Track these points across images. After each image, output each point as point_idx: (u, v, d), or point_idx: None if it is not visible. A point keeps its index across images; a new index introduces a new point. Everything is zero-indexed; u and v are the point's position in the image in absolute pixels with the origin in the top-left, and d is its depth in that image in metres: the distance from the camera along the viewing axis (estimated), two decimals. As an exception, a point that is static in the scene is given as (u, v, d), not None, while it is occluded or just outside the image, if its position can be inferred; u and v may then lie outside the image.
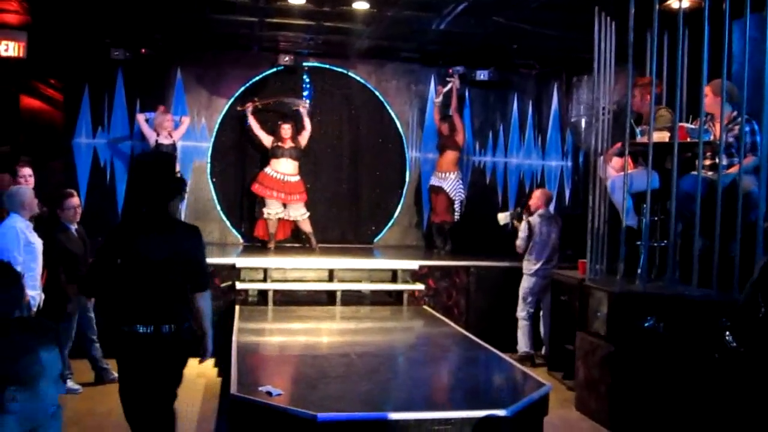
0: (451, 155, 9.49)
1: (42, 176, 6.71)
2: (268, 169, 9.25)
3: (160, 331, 3.69)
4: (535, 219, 7.59)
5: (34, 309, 5.67)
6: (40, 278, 5.70)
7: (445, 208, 9.48)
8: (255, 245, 9.69)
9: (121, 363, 3.88)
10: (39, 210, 6.32)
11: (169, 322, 3.70)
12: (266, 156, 9.55)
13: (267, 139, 9.34)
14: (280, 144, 9.21)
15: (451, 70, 9.85)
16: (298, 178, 9.29)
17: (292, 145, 9.24)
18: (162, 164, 4.20)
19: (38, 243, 5.62)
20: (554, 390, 5.64)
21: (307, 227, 9.32)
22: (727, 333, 3.79)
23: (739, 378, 3.55)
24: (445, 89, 9.70)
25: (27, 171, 6.53)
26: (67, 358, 6.27)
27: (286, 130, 9.27)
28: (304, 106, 9.51)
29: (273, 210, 9.19)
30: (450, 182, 9.43)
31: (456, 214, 9.49)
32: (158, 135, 8.68)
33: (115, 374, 6.46)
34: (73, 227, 6.27)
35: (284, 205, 9.24)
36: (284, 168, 9.20)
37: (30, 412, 1.61)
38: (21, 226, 5.47)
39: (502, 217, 8.14)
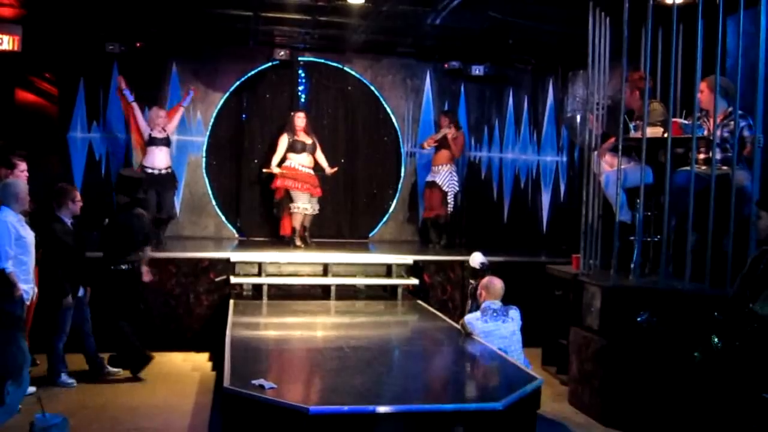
0: (445, 152, 9.48)
1: (37, 170, 6.69)
2: (292, 163, 9.02)
3: (134, 266, 6.61)
4: (474, 318, 5.73)
5: (27, 303, 5.66)
6: (32, 272, 5.68)
7: (439, 201, 9.47)
8: (250, 240, 9.71)
9: (113, 290, 6.58)
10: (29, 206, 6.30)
11: (136, 261, 6.63)
12: (263, 151, 9.69)
13: (284, 143, 9.07)
14: (297, 138, 9.06)
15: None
16: (313, 171, 9.20)
17: (310, 139, 9.12)
18: (129, 181, 7.08)
19: (30, 236, 5.59)
20: (548, 384, 5.67)
21: (309, 222, 9.29)
22: (714, 336, 3.81)
23: (725, 373, 3.57)
24: (438, 136, 9.57)
25: (24, 165, 6.48)
26: (62, 351, 6.28)
27: (301, 118, 9.10)
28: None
29: (306, 205, 9.03)
30: (442, 175, 9.41)
31: (449, 206, 9.46)
32: (152, 130, 8.67)
33: (109, 368, 6.49)
34: (69, 221, 6.26)
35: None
36: (306, 161, 9.08)
37: (15, 401, 1.62)
38: (12, 219, 5.44)
39: (476, 258, 6.90)
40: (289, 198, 9.09)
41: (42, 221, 6.15)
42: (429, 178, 9.63)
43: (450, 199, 9.43)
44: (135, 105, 8.88)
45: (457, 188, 9.56)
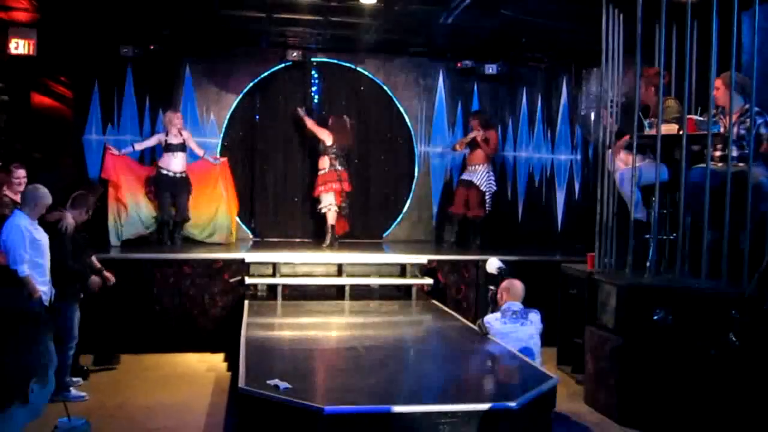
0: (480, 152, 9.42)
1: (53, 172, 6.71)
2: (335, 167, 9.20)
3: None
4: (493, 318, 5.70)
5: (46, 304, 5.70)
6: (48, 273, 5.72)
7: (477, 202, 9.41)
8: (265, 240, 9.74)
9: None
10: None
11: None
12: (276, 152, 9.78)
13: (327, 137, 9.19)
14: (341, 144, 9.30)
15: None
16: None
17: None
18: None
19: (44, 239, 5.64)
20: (563, 383, 5.65)
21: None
22: (731, 334, 3.78)
23: (742, 371, 3.54)
24: (467, 139, 9.56)
25: (22, 173, 6.37)
26: (72, 360, 6.04)
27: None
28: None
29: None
30: (479, 174, 9.38)
31: (486, 206, 9.44)
32: (167, 134, 8.73)
33: (74, 390, 5.91)
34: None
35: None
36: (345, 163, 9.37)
37: (40, 402, 1.64)
38: (25, 223, 5.48)
39: (493, 264, 6.82)
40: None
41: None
42: (465, 177, 9.56)
43: (488, 198, 9.41)
44: (131, 147, 8.89)
45: (494, 188, 9.53)
